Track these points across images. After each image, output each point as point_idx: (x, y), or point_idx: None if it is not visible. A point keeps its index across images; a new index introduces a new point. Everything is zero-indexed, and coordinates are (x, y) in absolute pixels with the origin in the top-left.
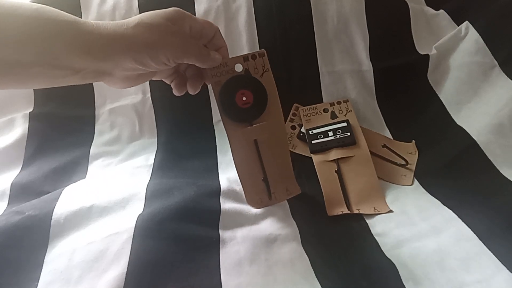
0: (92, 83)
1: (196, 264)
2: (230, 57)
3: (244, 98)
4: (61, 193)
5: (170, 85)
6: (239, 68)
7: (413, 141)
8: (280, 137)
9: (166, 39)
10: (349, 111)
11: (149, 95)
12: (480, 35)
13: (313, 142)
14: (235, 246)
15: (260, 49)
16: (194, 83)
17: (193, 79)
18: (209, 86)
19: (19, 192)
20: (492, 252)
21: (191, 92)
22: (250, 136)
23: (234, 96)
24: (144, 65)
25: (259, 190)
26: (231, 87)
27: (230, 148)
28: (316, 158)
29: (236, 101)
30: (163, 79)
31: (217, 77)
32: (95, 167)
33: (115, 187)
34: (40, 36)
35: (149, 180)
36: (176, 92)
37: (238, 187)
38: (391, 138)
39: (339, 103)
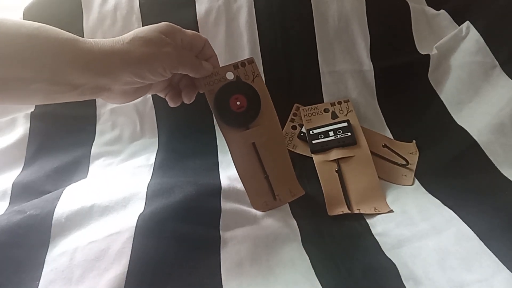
0: None
1: (196, 263)
2: (221, 66)
3: (238, 103)
4: (62, 192)
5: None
6: (230, 76)
7: (414, 141)
8: (278, 139)
9: (161, 51)
10: (349, 111)
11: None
12: (481, 35)
13: (313, 142)
14: (236, 246)
15: (260, 48)
16: (188, 93)
17: (187, 89)
18: None
19: (20, 192)
20: (492, 251)
21: (187, 102)
22: (248, 139)
23: (228, 101)
24: (142, 78)
25: (263, 192)
26: (225, 93)
27: (229, 153)
28: (316, 158)
29: (231, 106)
30: (157, 93)
31: (210, 85)
32: (96, 167)
33: (116, 187)
34: (41, 54)
35: (150, 179)
36: (171, 104)
37: (239, 185)
38: (392, 138)
39: (339, 103)
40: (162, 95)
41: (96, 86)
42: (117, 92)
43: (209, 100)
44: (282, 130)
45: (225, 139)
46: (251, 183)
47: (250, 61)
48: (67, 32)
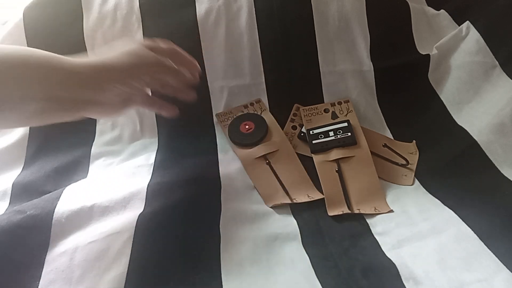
0: None
1: (196, 263)
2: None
3: (246, 127)
4: (62, 192)
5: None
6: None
7: (414, 141)
8: (290, 154)
9: (143, 60)
10: (349, 111)
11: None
12: (481, 35)
13: (313, 142)
14: (236, 245)
15: (261, 49)
16: (186, 93)
17: (181, 91)
18: (212, 94)
19: (20, 192)
20: (492, 251)
21: (190, 100)
22: (256, 153)
23: (238, 126)
24: (128, 86)
25: (280, 196)
26: (236, 122)
27: (241, 163)
28: (316, 158)
29: (241, 130)
30: (144, 107)
31: (225, 122)
32: (96, 167)
33: (116, 187)
34: (33, 75)
35: (150, 179)
36: (164, 113)
37: (240, 184)
38: (392, 138)
39: (340, 103)
40: (152, 109)
41: (86, 100)
42: (108, 102)
43: (224, 131)
44: (282, 130)
45: (238, 155)
46: (265, 188)
47: (258, 100)
48: (54, 54)
